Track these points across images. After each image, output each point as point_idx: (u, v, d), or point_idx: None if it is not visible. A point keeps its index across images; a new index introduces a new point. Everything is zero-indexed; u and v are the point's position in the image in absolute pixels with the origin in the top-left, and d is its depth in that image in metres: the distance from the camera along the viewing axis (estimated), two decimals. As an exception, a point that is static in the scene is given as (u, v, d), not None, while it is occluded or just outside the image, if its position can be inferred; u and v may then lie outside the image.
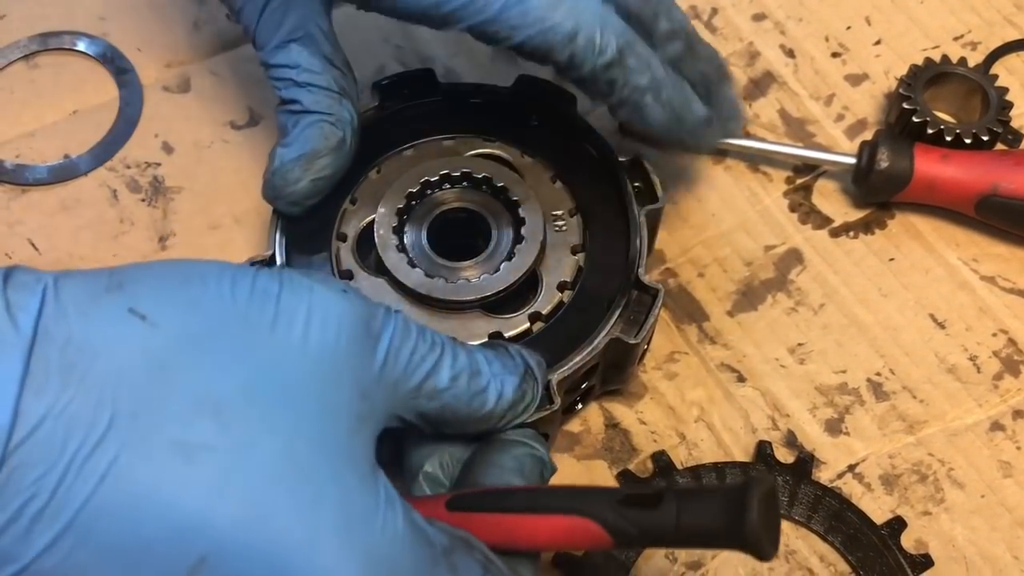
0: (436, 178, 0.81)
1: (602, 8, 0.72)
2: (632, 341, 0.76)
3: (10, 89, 1.01)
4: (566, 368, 0.74)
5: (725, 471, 0.81)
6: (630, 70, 0.74)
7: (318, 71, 0.77)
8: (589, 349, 0.75)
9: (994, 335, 0.88)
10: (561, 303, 0.79)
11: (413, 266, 0.78)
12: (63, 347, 0.50)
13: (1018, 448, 0.83)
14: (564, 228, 0.82)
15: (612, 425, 0.84)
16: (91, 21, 1.04)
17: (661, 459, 0.82)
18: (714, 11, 1.06)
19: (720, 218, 0.94)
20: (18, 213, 0.94)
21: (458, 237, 0.82)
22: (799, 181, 0.96)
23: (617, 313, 0.77)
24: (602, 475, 0.82)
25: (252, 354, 0.54)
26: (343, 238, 0.81)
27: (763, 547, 0.52)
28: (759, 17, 1.06)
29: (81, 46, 1.03)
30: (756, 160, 0.97)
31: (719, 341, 0.88)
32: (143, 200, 0.95)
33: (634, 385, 0.86)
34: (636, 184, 0.83)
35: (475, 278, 0.78)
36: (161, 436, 0.50)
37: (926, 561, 0.77)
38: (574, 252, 0.81)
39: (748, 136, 0.98)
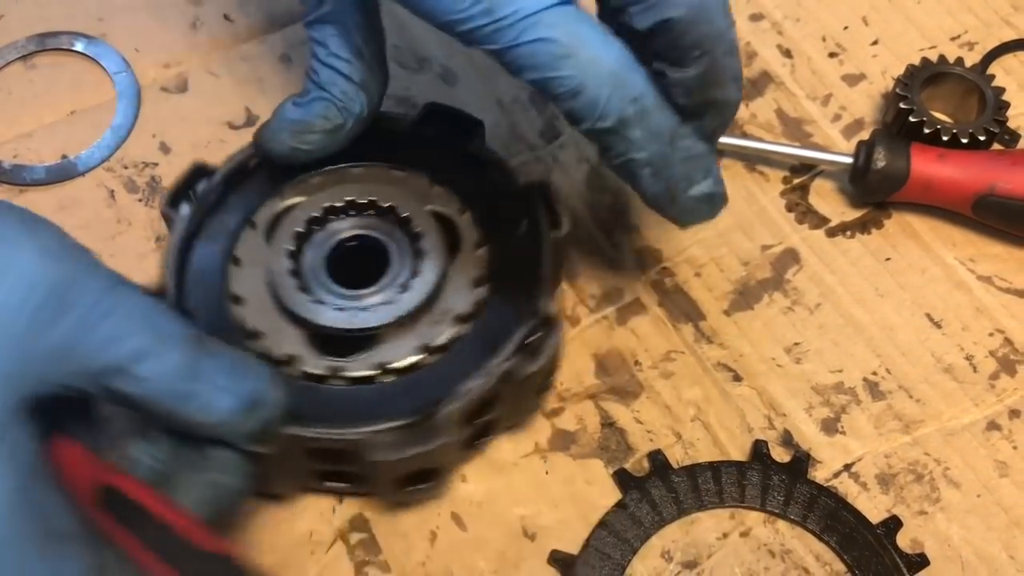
0: (341, 204, 0.82)
1: (622, 68, 0.67)
2: (525, 372, 0.75)
3: (8, 90, 1.02)
4: (458, 401, 0.73)
5: (721, 470, 0.81)
6: (631, 141, 0.69)
7: (343, 57, 0.78)
8: (481, 381, 0.74)
9: (991, 335, 0.88)
10: (459, 335, 0.78)
11: (305, 291, 0.78)
12: None
13: (1014, 448, 0.83)
14: (467, 260, 0.81)
15: (608, 424, 0.84)
16: (89, 22, 1.05)
17: (657, 458, 0.82)
18: (711, 11, 1.06)
19: (717, 218, 0.94)
20: (16, 213, 0.94)
21: (357, 266, 0.81)
22: (796, 181, 0.96)
23: (514, 345, 0.76)
24: (598, 474, 0.82)
25: None
26: (236, 262, 0.81)
27: None
28: (756, 17, 1.06)
29: (79, 47, 1.03)
30: (753, 160, 0.97)
31: (715, 340, 0.88)
32: (140, 200, 0.95)
33: (630, 384, 0.86)
34: (544, 211, 0.82)
35: (370, 307, 0.77)
36: None
37: (922, 561, 0.77)
38: (477, 284, 0.80)
39: (745, 136, 0.98)
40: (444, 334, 0.78)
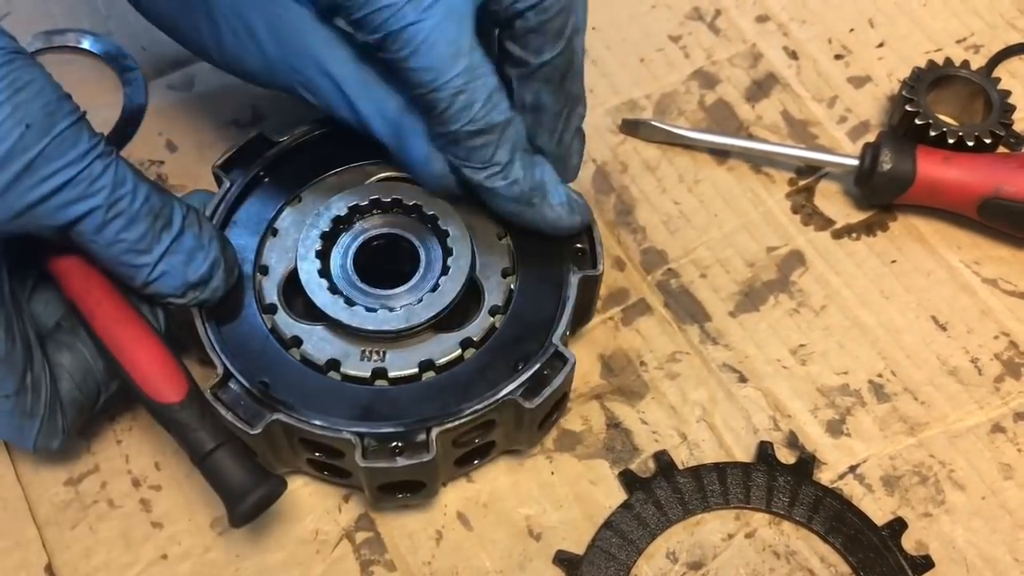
0: (366, 203, 0.80)
1: (495, 81, 0.71)
2: (528, 406, 0.73)
3: (15, 87, 1.02)
4: (454, 421, 0.72)
5: (726, 471, 0.81)
6: (492, 146, 0.72)
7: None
8: (482, 406, 0.73)
9: (995, 337, 0.88)
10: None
11: (335, 293, 0.77)
12: None
13: (1019, 450, 0.83)
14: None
15: (614, 424, 0.84)
16: (96, 20, 1.05)
17: (662, 459, 0.82)
18: (717, 12, 1.06)
19: (723, 219, 0.94)
20: (22, 210, 0.94)
21: (384, 265, 0.80)
22: (802, 183, 0.97)
23: (524, 376, 0.74)
24: (603, 475, 0.82)
25: None
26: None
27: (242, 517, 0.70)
28: (763, 19, 1.06)
29: (86, 44, 1.03)
30: (759, 162, 0.97)
31: (721, 342, 0.88)
32: (147, 198, 0.95)
33: (636, 384, 0.86)
34: (579, 246, 0.80)
35: (398, 307, 0.76)
36: None
37: (927, 562, 0.77)
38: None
39: (751, 137, 0.98)
40: (481, 328, 0.77)
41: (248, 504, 0.70)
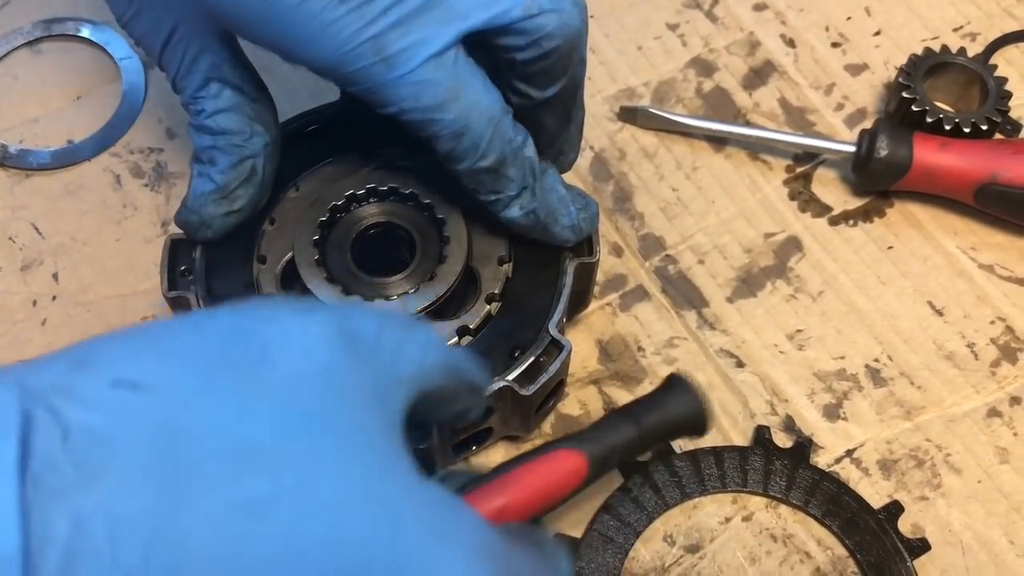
0: (363, 191, 0.80)
1: (500, 112, 0.70)
2: (524, 393, 0.73)
3: (14, 75, 1.02)
4: None
5: (724, 455, 0.81)
6: (508, 179, 0.72)
7: (226, 103, 0.75)
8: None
9: (992, 323, 0.89)
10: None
11: (332, 282, 0.76)
12: (63, 441, 0.42)
13: (1015, 434, 0.84)
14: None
15: (611, 409, 0.85)
16: (95, 7, 1.05)
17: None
18: (715, 1, 1.06)
19: (720, 206, 0.95)
20: (22, 198, 0.95)
21: (381, 253, 0.80)
22: (799, 169, 0.97)
23: (520, 363, 0.74)
24: (601, 459, 0.82)
25: (261, 391, 0.49)
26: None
27: (709, 426, 0.68)
28: (760, 7, 1.06)
29: (85, 32, 1.03)
30: (756, 148, 0.98)
31: (718, 327, 0.89)
32: (146, 185, 0.95)
33: (633, 369, 0.86)
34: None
35: (395, 296, 0.76)
36: (217, 501, 0.44)
37: (923, 545, 0.78)
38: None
39: (748, 125, 0.99)
40: (478, 315, 0.77)
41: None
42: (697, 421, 0.67)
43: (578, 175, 0.96)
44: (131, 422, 0.44)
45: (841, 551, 0.78)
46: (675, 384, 0.68)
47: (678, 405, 0.67)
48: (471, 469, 0.68)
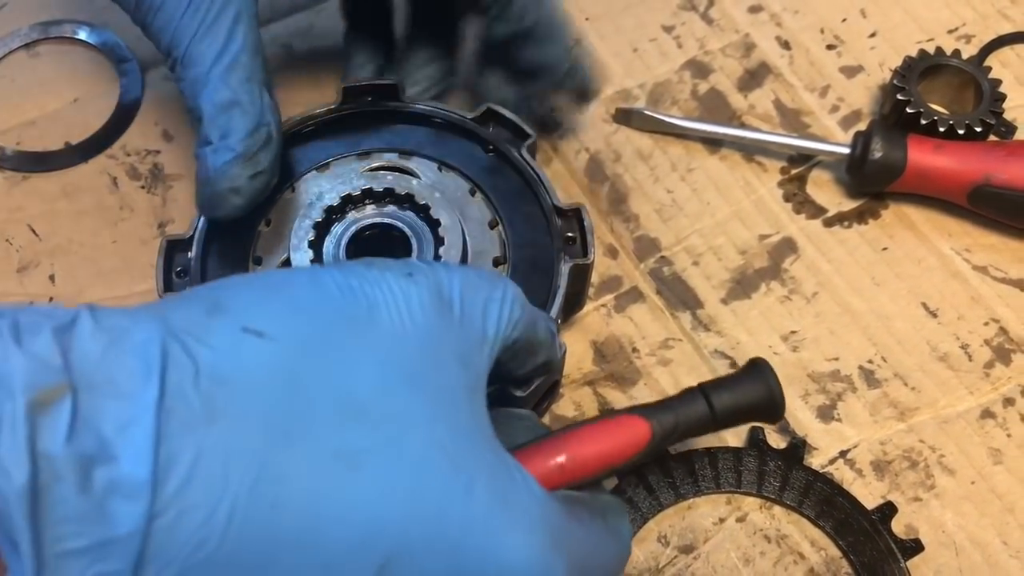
0: (358, 193, 0.80)
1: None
2: (518, 394, 0.73)
3: (11, 78, 1.02)
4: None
5: (718, 456, 0.82)
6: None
7: (244, 70, 0.74)
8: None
9: (986, 324, 0.89)
10: None
11: None
12: (194, 380, 0.47)
13: (1008, 436, 0.84)
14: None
15: (606, 410, 0.85)
16: (92, 10, 1.05)
17: (654, 444, 0.82)
18: (711, 2, 1.07)
19: (715, 207, 0.95)
20: (19, 199, 0.95)
21: (377, 253, 0.80)
22: (794, 171, 0.97)
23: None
24: (596, 460, 0.83)
25: (368, 349, 0.53)
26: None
27: (782, 413, 0.69)
28: (755, 9, 1.07)
29: (82, 35, 1.04)
30: (751, 150, 0.98)
31: (713, 328, 0.89)
32: (143, 187, 0.96)
33: (628, 371, 0.87)
34: (570, 235, 0.81)
35: None
36: (319, 449, 0.49)
37: (916, 546, 0.78)
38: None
39: (743, 126, 0.99)
40: None
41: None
42: (772, 408, 0.68)
43: (574, 177, 0.96)
44: (252, 368, 0.50)
45: (835, 552, 0.79)
46: (754, 368, 0.68)
47: (755, 389, 0.67)
48: (539, 422, 0.69)
